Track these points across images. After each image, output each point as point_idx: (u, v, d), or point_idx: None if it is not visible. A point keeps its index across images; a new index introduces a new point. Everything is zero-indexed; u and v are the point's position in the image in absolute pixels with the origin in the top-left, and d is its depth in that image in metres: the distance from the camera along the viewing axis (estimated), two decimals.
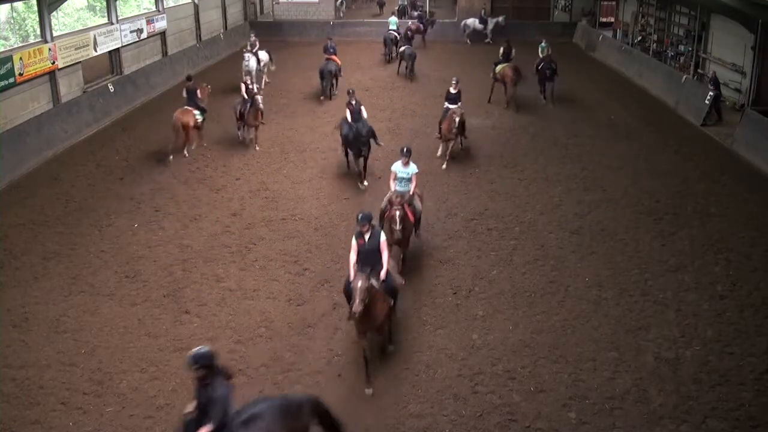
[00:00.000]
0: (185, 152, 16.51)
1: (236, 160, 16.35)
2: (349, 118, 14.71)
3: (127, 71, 22.21)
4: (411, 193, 11.16)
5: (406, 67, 24.74)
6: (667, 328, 9.55)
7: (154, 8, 24.88)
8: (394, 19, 29.83)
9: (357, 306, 7.77)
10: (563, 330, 9.55)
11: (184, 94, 16.73)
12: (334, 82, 22.19)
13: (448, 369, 8.75)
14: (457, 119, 15.23)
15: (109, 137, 18.21)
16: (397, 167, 11.20)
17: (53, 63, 18.07)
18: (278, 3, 35.72)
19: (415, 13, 34.16)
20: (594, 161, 16.18)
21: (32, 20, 18.59)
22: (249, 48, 22.49)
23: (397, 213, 10.29)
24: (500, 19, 32.29)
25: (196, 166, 15.95)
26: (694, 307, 10.03)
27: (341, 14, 36.85)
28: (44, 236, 12.47)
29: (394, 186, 11.22)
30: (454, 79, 16.54)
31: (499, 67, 20.74)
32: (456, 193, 14.30)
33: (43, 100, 17.98)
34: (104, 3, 21.63)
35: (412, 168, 11.19)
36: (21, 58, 16.69)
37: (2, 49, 17.12)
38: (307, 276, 11.10)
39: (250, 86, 17.26)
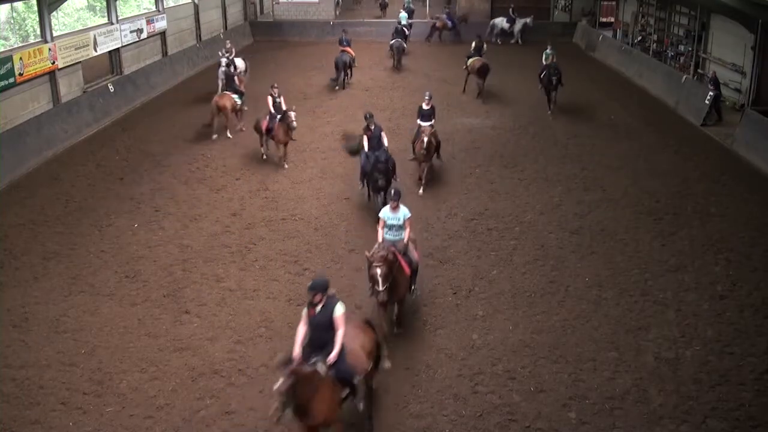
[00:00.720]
0: (228, 133, 17.99)
1: (236, 160, 16.35)
2: (367, 147, 13.34)
3: (127, 71, 22.21)
4: (405, 241, 9.53)
5: (395, 60, 26.34)
6: (667, 328, 9.55)
7: (154, 8, 24.89)
8: (404, 14, 30.36)
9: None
10: (563, 330, 9.55)
11: (223, 80, 19.31)
12: (348, 72, 23.77)
13: (448, 369, 8.75)
14: (426, 139, 13.73)
15: (109, 137, 18.21)
16: (386, 213, 9.60)
17: (53, 63, 18.07)
18: (278, 3, 35.72)
19: (446, 11, 33.56)
20: (594, 161, 16.18)
21: (32, 20, 18.60)
22: (224, 53, 21.06)
23: (378, 271, 8.58)
24: (528, 20, 31.46)
25: (196, 166, 15.95)
26: (694, 307, 10.03)
27: (338, 13, 36.95)
28: (44, 236, 12.47)
29: (382, 235, 9.59)
30: (427, 94, 14.99)
31: (470, 60, 22.14)
32: (456, 193, 14.29)
33: (43, 100, 17.98)
34: (104, 3, 21.63)
35: (404, 212, 9.55)
36: (21, 58, 16.69)
37: (2, 49, 17.13)
38: (307, 276, 11.08)
39: (278, 99, 15.69)
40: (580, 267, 11.27)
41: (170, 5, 26.02)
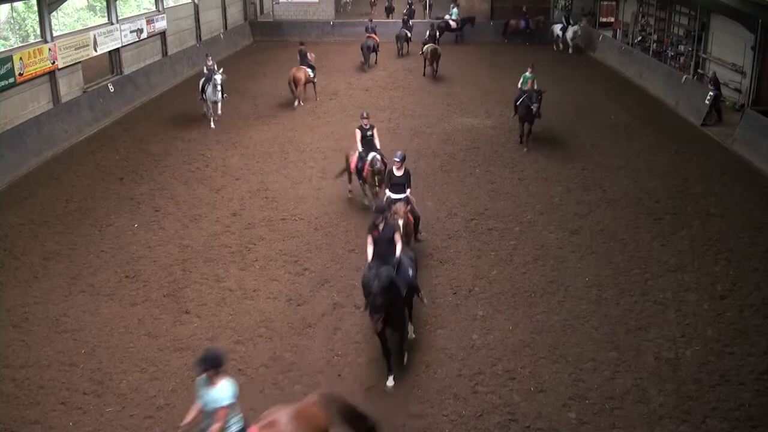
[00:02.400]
0: (300, 102, 21.10)
1: (236, 160, 16.35)
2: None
3: (127, 71, 22.21)
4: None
5: (399, 48, 28.87)
6: (667, 328, 9.55)
7: (154, 8, 24.89)
8: (455, 10, 31.96)
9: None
10: (563, 330, 9.54)
11: (298, 57, 21.51)
12: (373, 55, 26.97)
13: (448, 369, 8.75)
14: (401, 223, 10.24)
15: (109, 137, 18.21)
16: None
17: (53, 63, 18.07)
18: (278, 3, 35.72)
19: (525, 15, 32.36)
20: (594, 161, 16.18)
21: (32, 20, 18.61)
22: (206, 70, 19.10)
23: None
24: (578, 27, 29.60)
25: (196, 166, 15.96)
26: (694, 307, 10.03)
27: (348, 8, 37.31)
28: (44, 236, 12.47)
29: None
30: (399, 154, 11.11)
31: (425, 47, 25.04)
32: (456, 193, 14.29)
33: (43, 100, 17.99)
34: (104, 3, 21.63)
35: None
36: (21, 58, 16.70)
37: (2, 49, 17.13)
38: (307, 276, 11.10)
39: (368, 132, 13.06)
40: (580, 267, 11.27)
41: (170, 5, 26.02)
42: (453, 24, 31.31)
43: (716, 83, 18.84)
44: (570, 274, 11.05)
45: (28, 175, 15.45)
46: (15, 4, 18.06)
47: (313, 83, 21.52)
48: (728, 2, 18.43)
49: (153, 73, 23.41)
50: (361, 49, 26.62)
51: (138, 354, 9.11)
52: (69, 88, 19.06)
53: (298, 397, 8.22)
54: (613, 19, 30.45)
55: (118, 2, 21.95)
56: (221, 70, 18.90)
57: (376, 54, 27.11)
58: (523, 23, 31.69)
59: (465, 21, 32.04)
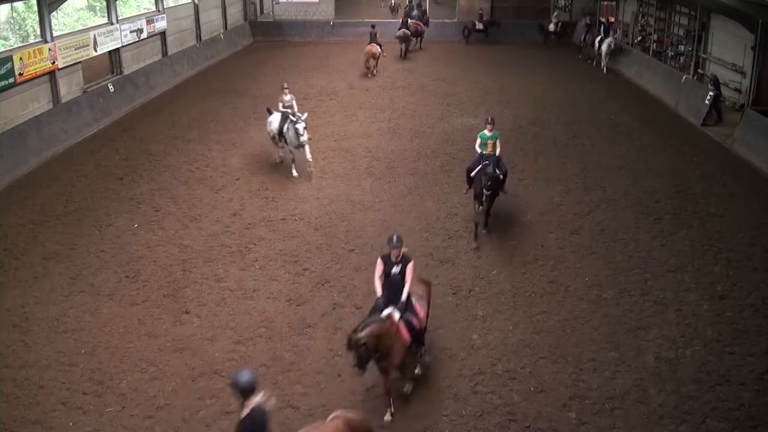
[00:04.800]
0: (375, 71, 25.15)
1: (236, 160, 16.35)
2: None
3: (127, 71, 22.20)
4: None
5: (401, 50, 29.24)
6: (667, 328, 9.55)
7: (154, 8, 24.88)
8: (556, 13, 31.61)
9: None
10: (563, 330, 9.55)
11: (369, 38, 25.68)
12: (411, 41, 29.28)
13: (448, 369, 8.75)
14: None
15: (109, 137, 18.21)
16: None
17: (53, 63, 18.06)
18: (278, 3, 35.70)
19: (584, 19, 30.92)
20: (594, 161, 16.18)
21: (32, 20, 18.60)
22: (282, 106, 15.50)
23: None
24: (611, 39, 26.21)
25: (196, 166, 15.96)
26: (694, 307, 10.03)
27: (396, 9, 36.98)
28: (44, 236, 12.47)
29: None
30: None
31: (398, 32, 28.26)
32: (456, 193, 14.28)
33: (43, 100, 17.98)
34: (104, 3, 21.63)
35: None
36: (21, 58, 16.69)
37: (2, 49, 17.12)
38: (307, 276, 11.10)
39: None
40: (580, 267, 11.27)
41: (170, 5, 26.01)
42: (480, 26, 31.82)
43: (716, 83, 18.84)
44: (570, 274, 11.05)
45: (28, 175, 15.45)
46: (15, 4, 18.05)
47: (378, 60, 25.39)
48: (728, 2, 18.42)
49: (153, 73, 23.41)
50: (398, 40, 28.68)
51: (138, 354, 9.11)
52: (69, 88, 19.05)
53: (298, 397, 8.26)
54: (613, 19, 30.43)
55: (118, 2, 21.95)
56: (305, 116, 14.85)
57: (409, 44, 29.07)
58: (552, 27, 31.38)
59: (491, 23, 32.19)
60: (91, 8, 22.38)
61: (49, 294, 10.57)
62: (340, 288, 10.71)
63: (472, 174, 12.26)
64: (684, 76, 21.42)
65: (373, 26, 26.72)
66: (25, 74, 16.85)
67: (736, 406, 8.00)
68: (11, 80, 16.36)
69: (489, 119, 12.56)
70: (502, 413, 7.96)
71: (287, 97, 15.60)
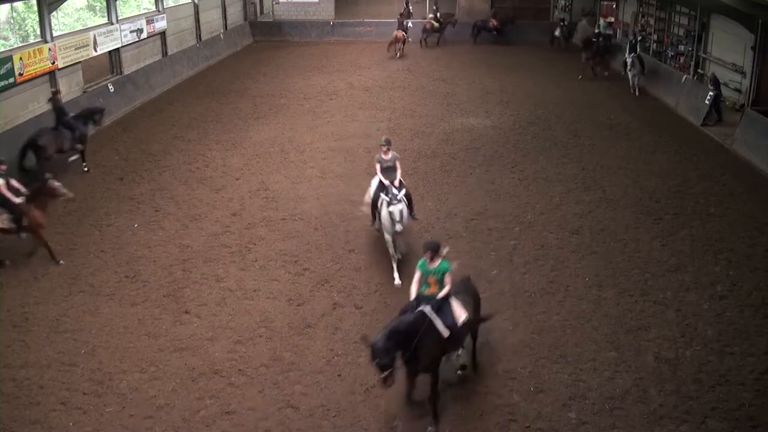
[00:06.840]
0: (400, 53, 28.42)
1: (236, 160, 16.35)
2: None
3: (127, 71, 22.19)
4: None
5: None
6: (667, 328, 9.55)
7: (154, 8, 24.88)
8: (602, 22, 28.87)
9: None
10: (563, 330, 9.54)
11: (397, 25, 29.29)
12: (434, 33, 31.48)
13: (448, 369, 8.73)
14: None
15: (109, 137, 18.21)
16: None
17: (53, 63, 18.06)
18: (278, 3, 35.73)
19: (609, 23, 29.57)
20: (594, 161, 16.17)
21: (32, 20, 18.62)
22: (380, 167, 11.29)
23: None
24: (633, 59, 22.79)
25: (196, 166, 15.96)
26: (694, 307, 10.03)
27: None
28: (44, 236, 12.44)
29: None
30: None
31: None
32: (456, 193, 14.29)
33: (43, 100, 17.94)
34: (104, 3, 21.63)
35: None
36: (21, 58, 16.68)
37: (2, 49, 17.13)
38: (307, 276, 11.10)
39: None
40: (580, 267, 11.27)
41: (170, 5, 26.01)
42: (494, 23, 32.04)
43: (716, 83, 18.83)
44: (570, 274, 11.05)
45: None
46: (15, 4, 18.07)
47: (405, 43, 28.71)
48: (728, 2, 18.40)
49: (153, 73, 23.41)
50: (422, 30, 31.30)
51: (138, 354, 9.11)
52: (69, 88, 19.04)
53: (298, 397, 8.26)
54: (613, 19, 30.43)
55: (118, 2, 21.94)
56: (403, 193, 10.92)
57: (441, 31, 31.47)
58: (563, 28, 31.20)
59: (506, 22, 32.22)
60: (91, 8, 22.41)
61: (49, 294, 10.57)
62: (340, 288, 10.70)
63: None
64: (684, 76, 21.41)
65: (401, 14, 30.71)
66: (25, 74, 16.84)
67: (736, 406, 8.00)
68: (11, 80, 16.35)
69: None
70: (502, 413, 7.96)
71: (387, 156, 11.14)
